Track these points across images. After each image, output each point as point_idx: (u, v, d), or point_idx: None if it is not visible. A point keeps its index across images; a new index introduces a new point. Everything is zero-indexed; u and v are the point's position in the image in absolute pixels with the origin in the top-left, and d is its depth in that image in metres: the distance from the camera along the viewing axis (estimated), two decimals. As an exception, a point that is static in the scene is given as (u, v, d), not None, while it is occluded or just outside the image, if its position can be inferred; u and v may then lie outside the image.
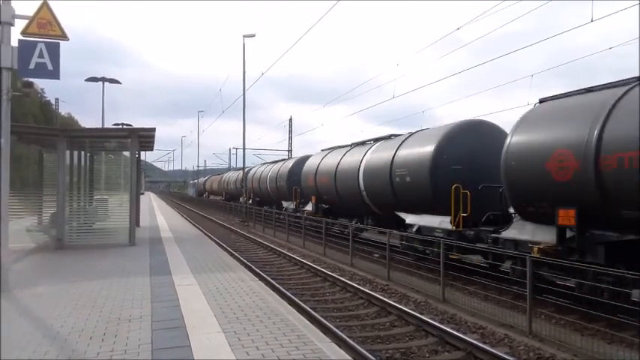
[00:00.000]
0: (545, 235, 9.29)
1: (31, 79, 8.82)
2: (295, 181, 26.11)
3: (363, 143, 19.37)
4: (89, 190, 17.19)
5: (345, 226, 18.29)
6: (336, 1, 17.62)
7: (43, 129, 19.97)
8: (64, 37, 8.59)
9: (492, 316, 8.80)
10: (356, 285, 11.26)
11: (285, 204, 28.08)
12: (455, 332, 7.55)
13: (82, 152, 16.91)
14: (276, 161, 34.80)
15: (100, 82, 31.61)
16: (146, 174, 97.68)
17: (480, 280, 10.59)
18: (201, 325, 6.08)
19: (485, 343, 7.27)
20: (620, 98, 8.21)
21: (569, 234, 8.77)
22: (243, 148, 37.30)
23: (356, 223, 18.26)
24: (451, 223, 12.24)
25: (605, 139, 8.01)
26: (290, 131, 56.18)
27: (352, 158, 18.77)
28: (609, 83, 9.05)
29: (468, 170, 12.61)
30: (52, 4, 8.54)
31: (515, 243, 9.96)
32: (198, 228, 24.68)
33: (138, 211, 18.84)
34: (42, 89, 68.31)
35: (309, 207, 23.19)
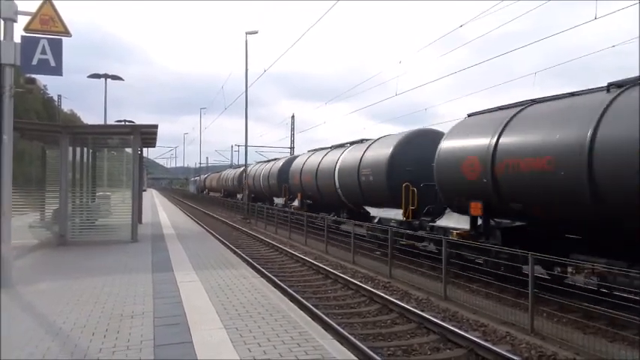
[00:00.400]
0: (463, 223, 11.69)
1: (33, 76, 8.82)
2: (285, 179, 28.50)
3: (341, 145, 21.82)
4: (92, 186, 17.24)
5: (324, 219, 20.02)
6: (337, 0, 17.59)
7: (46, 125, 20.01)
8: (67, 33, 8.60)
9: (494, 314, 8.79)
10: (358, 282, 11.26)
11: (276, 200, 30.63)
12: (456, 330, 7.54)
13: (85, 149, 16.96)
14: (269, 160, 37.54)
15: (103, 79, 31.63)
16: (148, 171, 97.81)
17: (482, 278, 10.58)
18: (203, 322, 6.09)
19: (486, 340, 7.28)
20: (512, 117, 10.59)
21: (478, 222, 11.16)
22: (245, 146, 37.32)
23: (333, 216, 20.90)
24: (403, 215, 14.75)
25: (499, 149, 10.38)
26: (292, 128, 56.22)
27: (330, 159, 21.31)
28: (516, 102, 11.34)
29: (417, 171, 14.71)
30: (54, 0, 8.55)
31: (444, 230, 12.29)
32: (200, 225, 24.72)
33: (140, 208, 18.87)
34: (45, 86, 68.43)
35: (296, 203, 25.83)
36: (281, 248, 17.60)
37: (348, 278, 11.76)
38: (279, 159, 34.50)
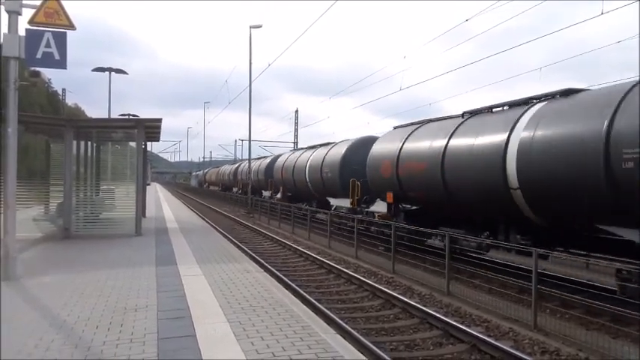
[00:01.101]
0: (382, 208, 15.84)
1: (38, 69, 8.83)
2: (270, 175, 33.22)
3: (312, 147, 26.82)
4: (96, 180, 17.28)
5: (300, 209, 23.38)
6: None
7: (50, 119, 20.03)
8: (71, 26, 8.59)
9: (497, 310, 8.80)
10: (361, 277, 11.27)
11: (264, 192, 35.07)
12: (459, 325, 7.55)
13: (89, 142, 16.98)
14: (260, 157, 42.56)
15: (107, 73, 31.64)
16: (152, 165, 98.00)
17: (485, 274, 10.58)
18: (206, 315, 6.11)
19: (489, 336, 7.27)
20: (412, 132, 14.86)
21: (393, 208, 15.22)
22: (249, 140, 37.35)
23: (305, 205, 24.50)
24: (350, 203, 18.73)
25: (401, 155, 14.49)
26: (296, 123, 56.15)
27: (303, 158, 25.91)
28: (420, 120, 15.69)
29: (362, 169, 17.68)
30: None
31: (373, 213, 16.39)
32: (203, 219, 24.77)
33: (144, 202, 18.92)
34: (49, 79, 68.44)
35: (279, 195, 30.32)
36: (284, 243, 17.63)
37: (351, 273, 11.78)
38: (267, 157, 39.60)
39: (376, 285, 10.43)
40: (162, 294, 7.26)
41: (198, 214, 28.14)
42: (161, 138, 20.41)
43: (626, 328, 7.40)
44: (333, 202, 21.77)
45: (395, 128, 16.95)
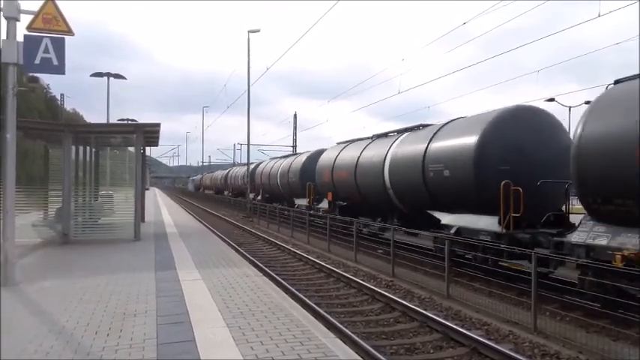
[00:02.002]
0: (325, 205, 20.62)
1: (36, 75, 8.85)
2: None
3: (284, 157, 27.34)
4: (94, 185, 17.26)
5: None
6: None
7: (49, 124, 20.02)
8: (70, 32, 8.60)
9: (497, 313, 8.79)
10: (360, 281, 11.26)
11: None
12: (459, 328, 7.54)
13: (88, 148, 16.98)
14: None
15: (105, 78, 31.65)
16: (151, 169, 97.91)
17: (485, 277, 10.58)
18: (205, 320, 6.10)
19: (489, 339, 7.27)
20: (344, 147, 20.99)
21: (332, 204, 20.50)
22: (248, 144, 37.34)
23: (278, 205, 27.09)
24: (307, 202, 20.83)
25: (335, 165, 20.36)
26: (295, 127, 56.19)
27: (276, 165, 28.99)
28: (353, 139, 21.33)
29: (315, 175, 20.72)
30: (57, -1, 8.56)
31: (319, 209, 21.75)
32: (202, 223, 24.73)
33: (143, 207, 18.89)
34: (47, 85, 68.40)
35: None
36: (283, 247, 17.61)
37: (351, 277, 11.76)
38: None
39: (376, 288, 10.42)
40: (161, 299, 7.25)
41: (196, 218, 28.11)
42: (160, 142, 20.42)
43: (627, 330, 7.40)
44: (297, 201, 26.59)
45: (338, 144, 22.90)
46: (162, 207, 36.81)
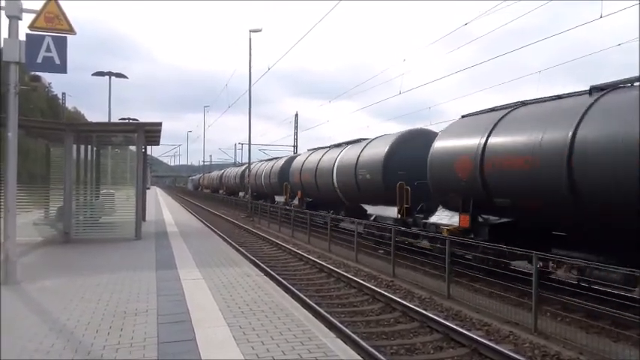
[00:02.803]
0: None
1: (38, 74, 8.87)
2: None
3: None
4: (96, 184, 17.27)
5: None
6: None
7: (50, 123, 20.07)
8: (72, 31, 8.61)
9: (497, 313, 8.78)
10: (361, 281, 11.27)
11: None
12: (460, 329, 7.54)
13: (89, 146, 16.99)
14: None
15: (107, 77, 31.67)
16: (152, 169, 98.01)
17: (485, 277, 10.57)
18: (206, 319, 6.10)
19: (490, 340, 7.27)
20: (326, 152, 23.11)
21: (301, 201, 25.03)
22: (249, 144, 37.38)
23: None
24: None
25: (301, 168, 25.25)
26: (296, 127, 56.17)
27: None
28: (330, 144, 24.96)
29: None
30: (59, -2, 8.57)
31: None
32: (203, 222, 24.75)
33: (144, 206, 18.91)
34: (49, 84, 68.48)
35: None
36: (284, 246, 17.62)
37: (351, 277, 11.76)
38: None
39: (376, 288, 10.42)
40: (162, 298, 7.25)
41: (197, 218, 28.12)
42: (161, 142, 20.43)
43: (627, 331, 7.40)
44: (277, 198, 27.13)
45: (307, 150, 26.11)
46: (163, 206, 36.84)
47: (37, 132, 15.93)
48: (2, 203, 8.70)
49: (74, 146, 14.32)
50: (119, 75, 32.06)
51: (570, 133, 8.80)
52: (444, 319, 8.26)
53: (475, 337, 7.17)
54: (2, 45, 8.15)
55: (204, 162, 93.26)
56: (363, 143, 19.49)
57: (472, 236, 11.28)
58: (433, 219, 13.25)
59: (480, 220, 11.43)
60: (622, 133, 8.05)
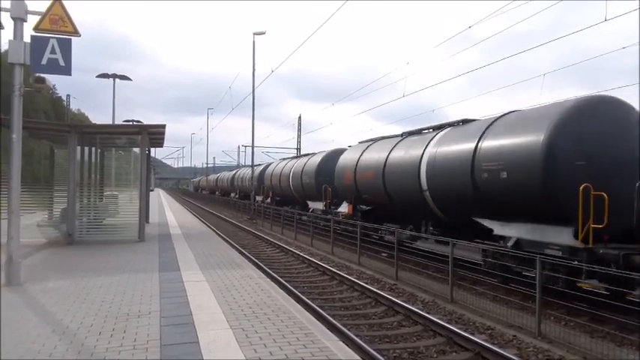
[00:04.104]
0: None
1: (43, 75, 8.87)
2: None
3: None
4: (99, 186, 17.31)
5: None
6: (345, 0, 17.59)
7: (55, 125, 20.12)
8: (76, 33, 8.63)
9: (501, 317, 8.75)
10: (363, 284, 11.24)
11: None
12: (463, 332, 7.51)
13: (93, 148, 17.03)
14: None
15: (111, 79, 31.73)
16: (156, 171, 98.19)
17: (489, 281, 10.54)
18: (209, 322, 6.09)
19: (493, 344, 7.23)
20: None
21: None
22: (252, 146, 37.42)
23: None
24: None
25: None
26: (299, 129, 56.16)
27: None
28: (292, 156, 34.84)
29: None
30: (64, 0, 8.60)
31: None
32: (206, 225, 24.76)
33: (147, 208, 18.93)
34: (54, 85, 68.67)
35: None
36: (287, 249, 17.61)
37: (354, 280, 11.74)
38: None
39: (379, 292, 10.39)
40: (165, 300, 7.25)
41: (201, 220, 28.14)
42: (165, 144, 20.48)
43: (631, 336, 7.36)
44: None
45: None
46: (166, 208, 36.89)
47: (41, 134, 15.99)
48: (6, 205, 8.71)
49: (78, 148, 14.35)
50: (123, 77, 32.11)
51: (385, 155, 16.00)
52: (448, 322, 8.23)
53: (479, 341, 7.14)
54: (8, 47, 8.19)
55: (207, 164, 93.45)
56: (307, 157, 27.13)
57: (355, 218, 17.41)
58: (339, 209, 20.34)
59: (357, 208, 18.07)
60: (407, 156, 14.63)
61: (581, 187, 8.77)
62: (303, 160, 28.09)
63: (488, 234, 11.29)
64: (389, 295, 10.20)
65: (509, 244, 10.38)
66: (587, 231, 8.76)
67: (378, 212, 17.54)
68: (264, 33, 34.05)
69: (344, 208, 19.81)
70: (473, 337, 7.30)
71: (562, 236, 9.29)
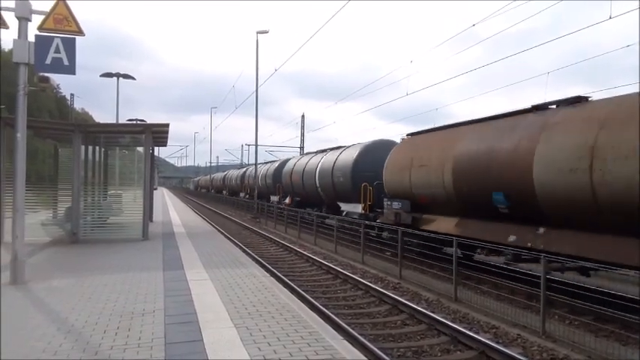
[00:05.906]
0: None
1: (47, 75, 8.89)
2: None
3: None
4: (103, 185, 17.35)
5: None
6: (349, -1, 17.62)
7: (59, 124, 20.17)
8: (80, 32, 8.65)
9: (505, 316, 8.73)
10: (367, 283, 11.23)
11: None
12: (467, 332, 7.49)
13: (97, 147, 17.08)
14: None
15: (115, 78, 31.81)
16: (159, 169, 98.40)
17: (493, 280, 10.52)
18: (213, 320, 6.10)
19: (498, 343, 7.21)
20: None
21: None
22: (256, 145, 37.41)
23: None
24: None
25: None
26: (302, 128, 56.18)
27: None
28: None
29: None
30: (68, 0, 8.62)
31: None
32: (210, 223, 24.81)
33: (151, 206, 18.96)
34: (58, 85, 68.82)
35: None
36: (290, 248, 17.61)
37: (358, 278, 11.73)
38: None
39: (383, 290, 10.39)
40: (169, 298, 7.27)
41: (204, 219, 28.20)
42: (168, 143, 20.50)
43: (636, 335, 7.33)
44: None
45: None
46: (170, 207, 36.95)
47: (45, 133, 16.03)
48: (11, 203, 8.74)
49: (82, 147, 14.39)
50: (127, 76, 32.20)
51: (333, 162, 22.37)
52: (452, 321, 8.22)
53: (483, 339, 7.12)
54: (12, 46, 8.21)
55: (210, 163, 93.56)
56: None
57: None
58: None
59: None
60: (343, 159, 21.01)
61: (362, 185, 18.54)
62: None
63: (338, 209, 21.63)
64: (393, 294, 10.19)
65: (344, 213, 20.60)
66: (366, 205, 18.45)
67: (303, 202, 28.18)
68: (267, 32, 34.05)
69: (287, 199, 30.39)
70: (477, 336, 7.28)
71: (358, 208, 19.02)
